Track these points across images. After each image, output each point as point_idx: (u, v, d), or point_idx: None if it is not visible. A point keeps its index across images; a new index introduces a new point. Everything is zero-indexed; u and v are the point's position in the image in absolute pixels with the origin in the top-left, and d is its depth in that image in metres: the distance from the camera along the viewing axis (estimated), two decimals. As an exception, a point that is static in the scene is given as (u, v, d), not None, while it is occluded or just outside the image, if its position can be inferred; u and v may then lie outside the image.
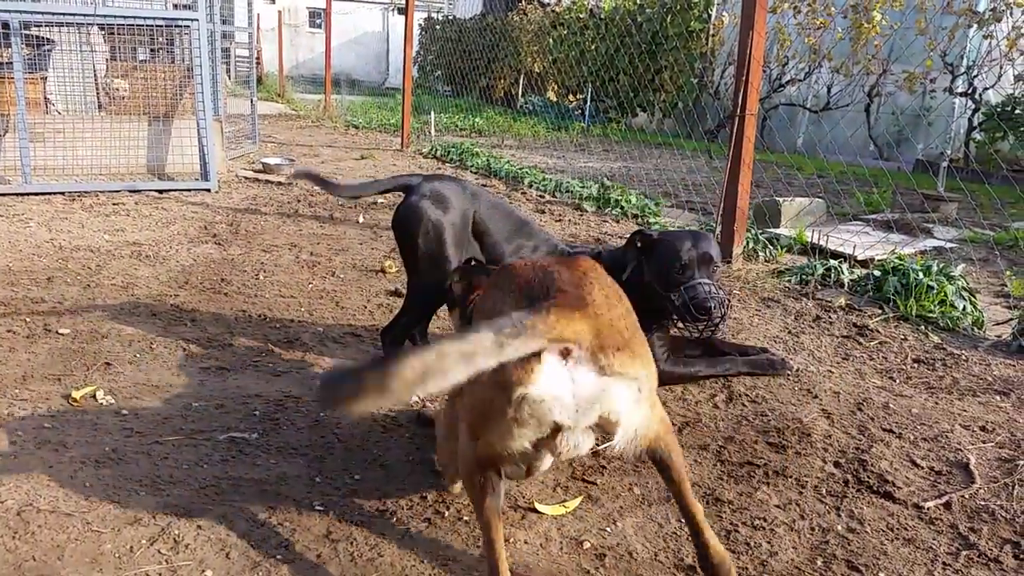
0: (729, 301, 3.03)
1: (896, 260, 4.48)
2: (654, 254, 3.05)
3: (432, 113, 11.90)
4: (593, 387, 1.59)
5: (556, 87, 15.48)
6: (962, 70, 9.55)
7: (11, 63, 6.22)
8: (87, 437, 2.53)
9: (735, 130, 4.90)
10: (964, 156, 9.48)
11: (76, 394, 2.81)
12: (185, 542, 2.01)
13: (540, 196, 7.32)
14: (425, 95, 18.36)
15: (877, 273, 4.44)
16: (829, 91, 11.26)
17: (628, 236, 3.15)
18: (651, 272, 3.04)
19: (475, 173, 8.59)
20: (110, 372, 3.05)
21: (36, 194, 6.16)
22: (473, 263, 2.84)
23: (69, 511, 2.11)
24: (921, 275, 4.19)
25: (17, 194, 6.10)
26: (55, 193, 6.24)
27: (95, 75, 7.58)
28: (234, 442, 2.57)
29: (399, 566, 1.99)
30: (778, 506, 2.34)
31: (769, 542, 2.16)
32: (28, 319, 3.52)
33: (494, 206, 3.10)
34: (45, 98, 7.17)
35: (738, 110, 4.86)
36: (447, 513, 2.24)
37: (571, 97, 15.42)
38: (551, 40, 15.51)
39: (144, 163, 7.13)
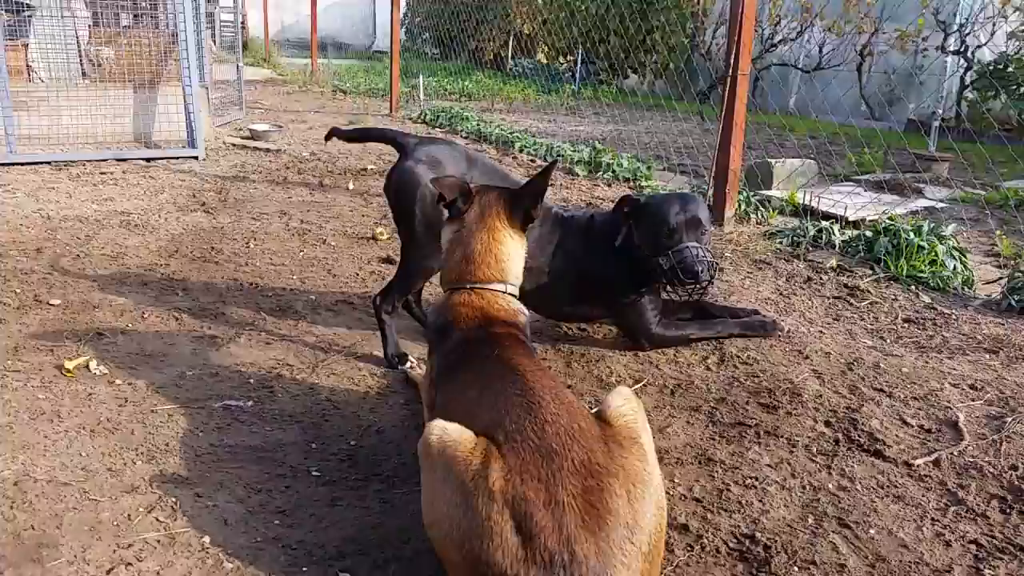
0: (718, 264, 3.03)
1: (887, 221, 4.48)
2: (642, 219, 3.04)
3: (421, 77, 11.77)
4: None
5: (546, 49, 15.32)
6: (955, 28, 9.47)
7: (-9, 30, 6.12)
8: (81, 407, 2.53)
9: (727, 91, 4.87)
10: (956, 115, 9.45)
11: (69, 364, 2.80)
12: (183, 509, 2.03)
13: (531, 161, 7.29)
14: (413, 58, 18.15)
15: (868, 234, 4.45)
16: (821, 50, 11.17)
17: (616, 201, 3.14)
18: (640, 237, 3.04)
19: (465, 138, 8.53)
20: (102, 342, 3.05)
21: (22, 164, 6.08)
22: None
23: (66, 480, 2.12)
24: (912, 235, 4.20)
25: (2, 164, 6.02)
26: (41, 163, 6.17)
27: (78, 42, 7.46)
28: (229, 410, 2.58)
29: (398, 529, 2.01)
30: (769, 465, 2.37)
31: (761, 500, 2.19)
32: (18, 290, 3.50)
33: (490, 171, 3.07)
34: (27, 66, 7.06)
35: (730, 70, 4.82)
36: (443, 477, 2.25)
37: (561, 59, 15.27)
38: (540, 0, 15.31)
39: (130, 131, 7.04)
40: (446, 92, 12.77)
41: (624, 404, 1.81)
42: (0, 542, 1.84)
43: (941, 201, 5.96)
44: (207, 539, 1.92)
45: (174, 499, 2.07)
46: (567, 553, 1.48)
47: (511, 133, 8.25)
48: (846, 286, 3.97)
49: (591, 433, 1.70)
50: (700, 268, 2.91)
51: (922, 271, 4.04)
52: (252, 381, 2.80)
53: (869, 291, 3.89)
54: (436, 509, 1.66)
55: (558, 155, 7.17)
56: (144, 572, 1.80)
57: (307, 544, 1.93)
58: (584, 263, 3.13)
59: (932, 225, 4.33)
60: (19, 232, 4.38)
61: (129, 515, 1.99)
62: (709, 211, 3.16)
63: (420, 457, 1.75)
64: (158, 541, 1.91)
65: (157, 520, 1.98)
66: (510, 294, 2.23)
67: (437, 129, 9.09)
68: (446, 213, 2.28)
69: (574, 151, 7.19)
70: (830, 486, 2.27)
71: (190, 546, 1.90)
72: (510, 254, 2.24)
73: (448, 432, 1.70)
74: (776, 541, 2.01)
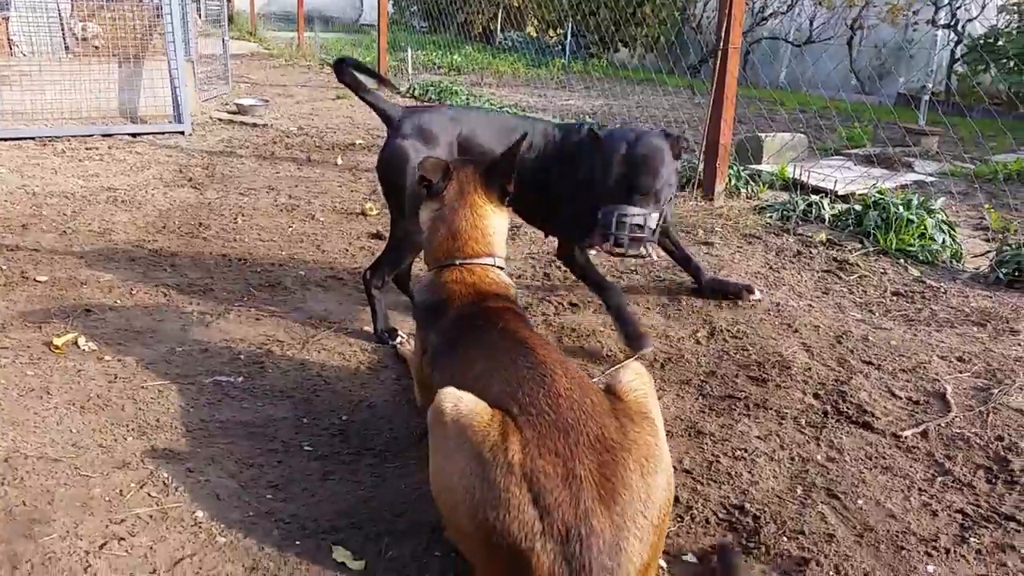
0: (654, 230, 2.75)
1: (877, 194, 4.49)
2: (596, 158, 2.84)
3: (409, 50, 11.67)
4: None
5: (536, 22, 15.19)
6: (945, 1, 9.45)
7: (-28, 3, 6.02)
8: (71, 383, 2.52)
9: (718, 65, 4.84)
10: (946, 89, 9.44)
11: (57, 341, 2.79)
12: (175, 485, 2.03)
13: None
14: (401, 32, 17.97)
15: (858, 208, 4.46)
16: (811, 24, 11.13)
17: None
18: (594, 173, 2.85)
19: (455, 112, 8.46)
20: (90, 319, 3.03)
21: (5, 139, 6.01)
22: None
23: (57, 457, 2.11)
24: (901, 209, 4.21)
25: (-14, 140, 5.96)
26: (25, 138, 6.10)
27: (60, 15, 7.34)
28: (220, 386, 2.58)
29: (391, 501, 2.02)
30: (759, 437, 2.39)
31: (750, 472, 2.21)
32: (4, 267, 3.47)
33: (480, 121, 3.04)
34: (8, 40, 6.94)
35: (721, 44, 4.80)
36: (434, 451, 2.26)
37: (551, 32, 15.15)
38: (529, -27, 15.16)
39: (116, 106, 6.96)
40: (435, 66, 12.67)
41: (635, 379, 1.81)
42: (-9, 518, 1.84)
43: (930, 175, 5.97)
44: (200, 514, 1.93)
45: (166, 474, 2.07)
46: (584, 527, 1.50)
47: (501, 107, 8.21)
48: (835, 260, 3.98)
49: (603, 408, 1.70)
50: (622, 239, 2.70)
51: (911, 244, 4.06)
52: (242, 357, 2.79)
53: (858, 265, 3.91)
54: (448, 477, 1.66)
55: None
56: (137, 547, 1.80)
57: (300, 518, 1.94)
58: (553, 172, 3.02)
59: (921, 199, 4.34)
60: (4, 208, 4.34)
61: (121, 490, 1.99)
62: (675, 160, 2.81)
63: (431, 425, 1.74)
64: (150, 516, 1.91)
65: (149, 495, 1.99)
66: (499, 267, 2.22)
67: (426, 103, 9.02)
68: (424, 191, 2.27)
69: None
70: (819, 457, 2.29)
71: (182, 521, 1.90)
72: (495, 228, 2.24)
73: (463, 401, 1.69)
74: (765, 511, 2.03)
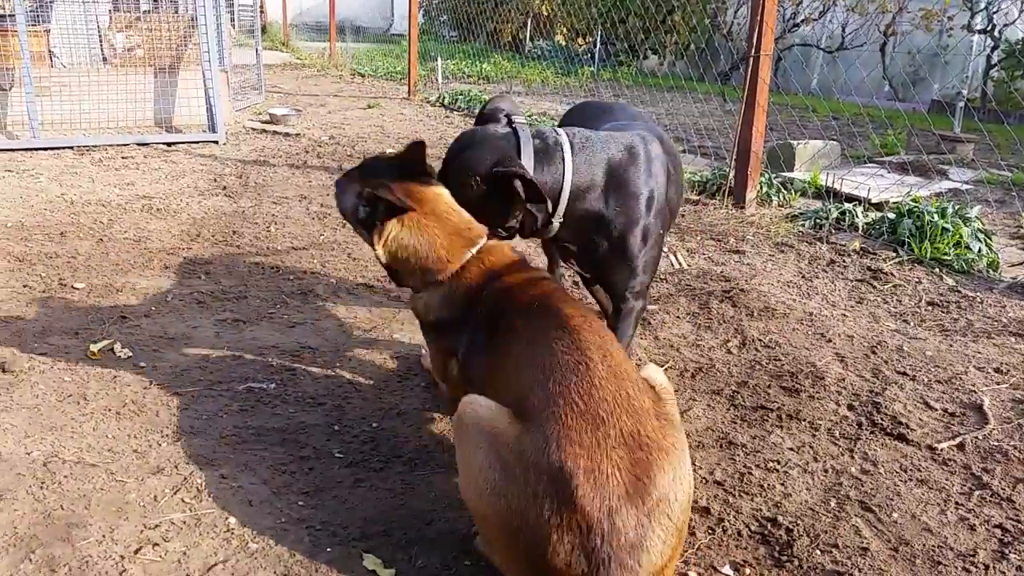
0: None
1: (911, 202, 4.43)
2: None
3: (439, 59, 11.73)
4: None
5: (565, 30, 15.21)
6: (981, 6, 9.31)
7: (13, 15, 6.15)
8: (107, 389, 2.56)
9: (749, 71, 4.82)
10: (982, 95, 9.30)
11: (94, 348, 2.84)
12: (208, 490, 2.05)
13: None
14: (431, 41, 18.10)
15: (892, 216, 4.40)
16: (844, 30, 11.03)
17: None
18: None
19: (484, 120, 8.49)
20: (126, 325, 3.08)
21: (45, 149, 6.14)
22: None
23: (93, 462, 2.15)
24: (936, 217, 4.15)
25: (26, 149, 6.08)
26: (64, 148, 6.22)
27: (98, 27, 7.49)
28: (252, 392, 2.60)
29: (420, 509, 2.02)
30: (792, 449, 2.36)
31: (783, 484, 2.19)
32: (43, 274, 3.54)
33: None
34: (49, 51, 7.09)
35: (753, 51, 4.77)
36: (464, 459, 2.27)
37: (580, 40, 15.16)
38: (559, -18, 15.19)
39: (151, 116, 7.08)
40: (464, 75, 12.73)
41: (665, 381, 1.81)
42: (31, 521, 1.87)
43: (966, 183, 5.88)
44: (232, 520, 1.94)
45: (199, 480, 2.09)
46: (607, 523, 1.49)
47: (529, 116, 8.22)
48: (869, 269, 3.93)
49: (642, 404, 1.66)
50: None
51: (946, 253, 4.00)
52: (275, 364, 2.82)
53: (892, 274, 3.86)
54: (475, 483, 1.65)
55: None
56: (170, 552, 1.82)
57: (331, 525, 1.95)
58: None
59: (957, 207, 4.28)
60: (43, 216, 4.43)
61: (155, 496, 2.02)
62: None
63: (456, 434, 1.76)
64: (184, 522, 1.93)
65: (183, 501, 2.01)
66: (491, 238, 2.12)
67: (455, 112, 9.07)
68: (371, 224, 2.09)
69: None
70: (853, 470, 2.26)
71: (215, 527, 1.92)
72: (455, 205, 2.13)
73: (482, 405, 1.69)
74: (798, 524, 2.01)
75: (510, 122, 2.32)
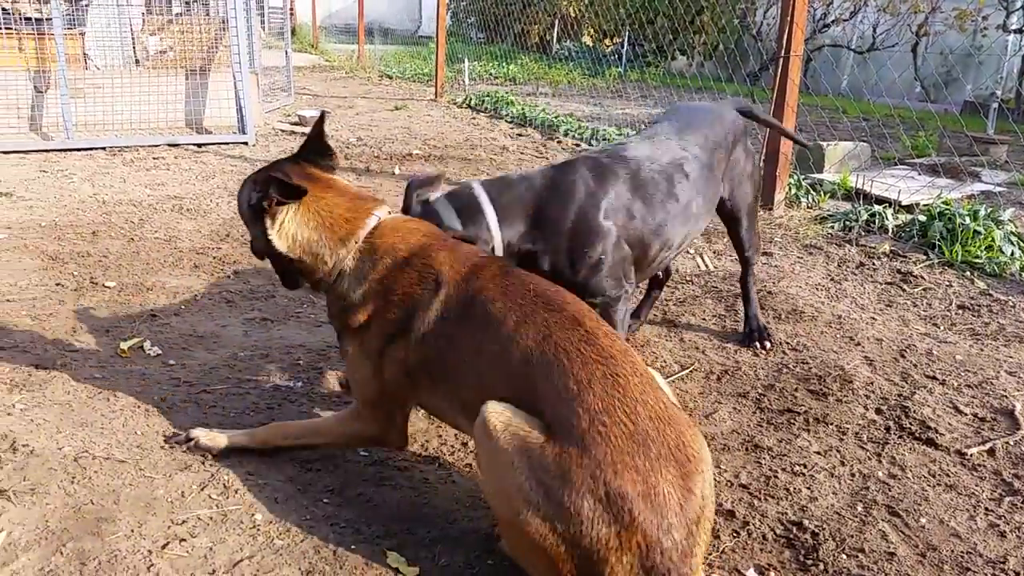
0: None
1: (942, 205, 4.37)
2: None
3: (466, 61, 11.77)
4: None
5: (592, 31, 15.18)
6: (1017, 5, 9.16)
7: (50, 19, 6.26)
8: (136, 387, 2.60)
9: (779, 72, 4.78)
10: (1016, 96, 9.15)
11: (124, 345, 2.88)
12: (235, 487, 2.07)
13: (576, 144, 7.25)
14: (458, 43, 18.16)
15: (922, 218, 4.35)
16: (875, 31, 10.90)
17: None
18: None
19: (510, 123, 8.51)
20: (156, 324, 3.12)
21: (78, 149, 6.24)
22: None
23: (123, 458, 2.18)
24: (968, 220, 4.09)
25: (60, 150, 6.19)
26: (96, 148, 6.32)
27: (131, 30, 7.61)
28: (279, 390, 2.63)
29: (444, 508, 2.03)
30: (818, 452, 2.34)
31: (809, 488, 2.17)
32: (75, 272, 3.60)
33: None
34: (84, 54, 7.21)
35: (783, 51, 4.73)
36: (488, 459, 2.27)
37: (607, 41, 15.12)
38: (587, -17, 15.17)
39: (182, 117, 7.17)
40: (491, 76, 12.76)
41: (658, 375, 1.81)
42: (62, 515, 1.90)
43: (999, 185, 5.79)
44: (258, 516, 1.96)
45: (226, 477, 2.11)
46: (667, 540, 1.51)
47: (556, 117, 8.22)
48: (899, 271, 3.89)
49: (676, 412, 1.66)
50: None
51: (978, 256, 3.94)
52: (302, 362, 2.85)
53: (923, 277, 3.81)
54: (506, 493, 1.61)
55: (603, 138, 7.11)
56: (197, 548, 1.84)
57: (355, 522, 1.96)
58: None
59: (989, 209, 4.21)
60: (76, 216, 4.50)
61: (183, 492, 2.04)
62: None
63: (480, 440, 1.68)
64: (211, 518, 1.95)
65: (210, 497, 2.03)
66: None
67: (482, 114, 9.09)
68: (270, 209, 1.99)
69: (620, 134, 7.14)
70: (880, 474, 2.24)
71: (241, 523, 1.94)
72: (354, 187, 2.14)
73: (513, 417, 1.64)
74: (824, 528, 1.99)
75: (425, 202, 2.37)
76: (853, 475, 2.23)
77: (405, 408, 2.08)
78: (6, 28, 6.44)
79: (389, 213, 2.07)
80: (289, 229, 1.99)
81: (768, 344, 3.03)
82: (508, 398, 1.70)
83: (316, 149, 2.12)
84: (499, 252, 2.32)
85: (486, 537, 1.91)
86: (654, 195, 2.52)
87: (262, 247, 2.08)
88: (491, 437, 1.64)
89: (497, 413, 1.66)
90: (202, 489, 2.06)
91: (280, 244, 2.00)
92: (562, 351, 1.70)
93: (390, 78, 12.81)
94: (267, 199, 1.97)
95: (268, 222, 2.00)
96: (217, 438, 2.21)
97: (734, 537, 1.97)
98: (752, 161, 3.02)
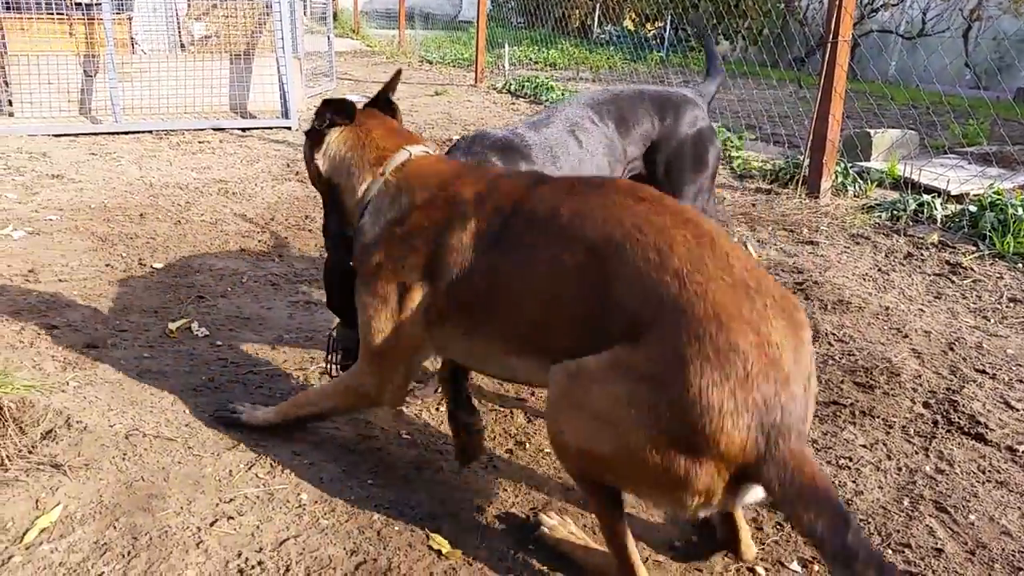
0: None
1: (993, 195, 4.27)
2: None
3: (506, 46, 11.73)
4: None
5: (633, 15, 15.04)
6: (1075, -11, 8.88)
7: (100, 4, 6.36)
8: (184, 367, 2.65)
9: (826, 57, 4.69)
10: (1073, 83, 8.88)
11: (172, 326, 2.93)
12: (281, 467, 2.10)
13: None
14: (498, 28, 18.10)
15: (973, 208, 4.25)
16: (924, 16, 10.65)
17: None
18: None
19: (551, 107, 8.47)
20: (203, 305, 3.17)
21: (126, 133, 6.35)
22: None
23: (172, 436, 2.22)
24: (1020, 211, 3.99)
25: (109, 133, 6.30)
26: (143, 132, 6.43)
27: (176, 15, 7.70)
28: (325, 373, 2.66)
29: (485, 492, 2.04)
30: (864, 446, 2.31)
31: (855, 481, 2.14)
32: (124, 254, 3.67)
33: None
34: (131, 38, 7.32)
35: (830, 36, 4.64)
36: (528, 445, 2.28)
37: (649, 26, 14.97)
38: (629, -33, 15.02)
39: (226, 102, 7.25)
40: (531, 62, 12.71)
41: None
42: (115, 491, 1.95)
43: (1054, 174, 5.62)
44: (304, 496, 1.99)
45: (273, 456, 2.14)
46: (785, 394, 1.39)
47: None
48: (948, 263, 3.81)
49: (767, 274, 1.54)
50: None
51: (1031, 248, 3.84)
52: (344, 346, 2.87)
53: (972, 268, 3.72)
54: (610, 424, 1.47)
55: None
56: (244, 526, 1.88)
57: (398, 504, 1.98)
58: None
59: (1044, 200, 4.10)
60: (124, 198, 4.58)
61: (231, 471, 2.08)
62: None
63: (561, 388, 1.55)
64: (257, 496, 1.99)
65: (257, 476, 2.07)
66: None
67: (521, 100, 9.06)
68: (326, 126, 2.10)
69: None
70: (927, 469, 2.20)
71: (288, 502, 1.97)
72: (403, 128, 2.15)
73: (579, 360, 1.53)
74: (870, 523, 1.97)
75: None
76: (900, 469, 2.20)
77: (412, 361, 1.97)
78: (57, 13, 6.56)
79: (424, 152, 2.04)
80: (331, 150, 2.07)
81: None
82: (578, 311, 1.56)
83: (382, 101, 2.16)
84: None
85: (526, 523, 1.92)
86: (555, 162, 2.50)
87: (312, 172, 2.15)
88: (579, 375, 1.52)
89: (566, 363, 1.55)
90: (249, 468, 2.10)
91: (322, 164, 2.08)
92: (631, 226, 1.54)
93: (430, 63, 12.82)
94: (321, 121, 2.06)
95: (315, 148, 2.10)
96: (255, 413, 2.26)
97: (778, 530, 1.95)
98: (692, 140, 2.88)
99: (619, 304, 1.51)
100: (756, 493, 1.45)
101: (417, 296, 1.84)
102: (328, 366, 2.45)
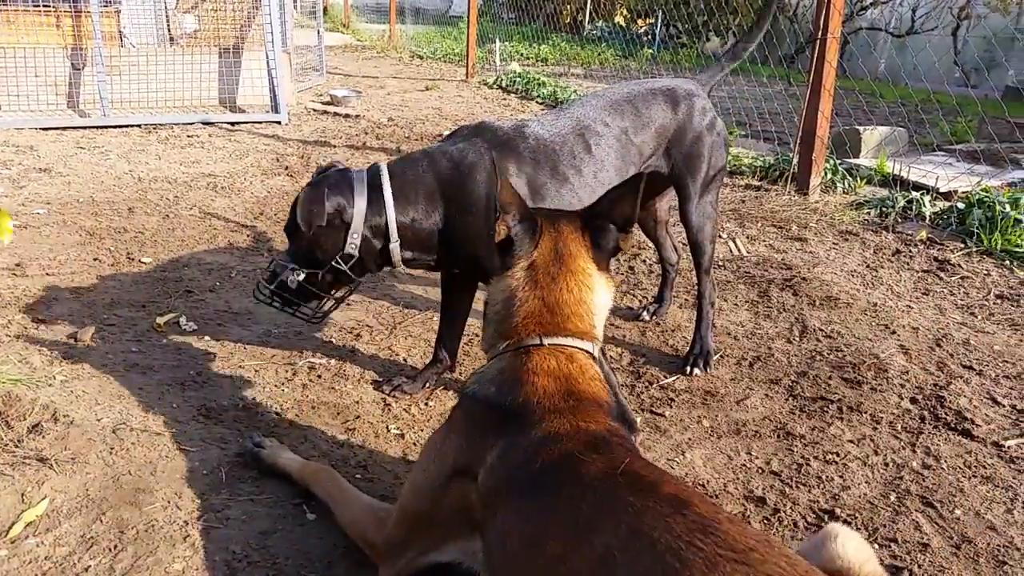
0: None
1: (981, 192, 4.29)
2: None
3: (497, 41, 11.72)
4: None
5: (624, 11, 15.04)
6: (1063, -12, 8.93)
7: (87, -4, 6.32)
8: (172, 361, 2.64)
9: (816, 54, 4.70)
10: (1060, 81, 8.93)
11: (160, 320, 2.92)
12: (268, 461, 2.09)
13: (608, 126, 7.18)
14: (489, 23, 18.08)
15: (961, 206, 4.27)
16: (914, 13, 10.69)
17: None
18: None
19: (540, 103, 8.47)
20: (191, 300, 3.16)
21: (114, 126, 6.31)
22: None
23: (159, 430, 2.21)
24: (1008, 208, 4.01)
25: (97, 127, 6.26)
26: (132, 125, 6.38)
27: (165, 8, 7.65)
28: (313, 368, 2.65)
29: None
30: (851, 441, 2.32)
31: (842, 476, 2.15)
32: (112, 248, 3.65)
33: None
34: (120, 31, 7.27)
35: (819, 33, 4.65)
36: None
37: (640, 22, 14.98)
38: (620, -37, 15.01)
39: (216, 96, 7.22)
40: (522, 57, 12.68)
41: (861, 550, 1.30)
42: (102, 485, 1.94)
43: (1041, 172, 5.66)
44: (291, 489, 1.99)
45: (261, 451, 2.13)
46: None
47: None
48: (936, 259, 3.83)
49: None
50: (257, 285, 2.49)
51: (1018, 245, 3.86)
52: (334, 340, 2.87)
53: (960, 265, 3.74)
54: None
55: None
56: (231, 519, 1.87)
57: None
58: None
59: (1031, 197, 4.12)
60: (112, 192, 4.56)
61: (218, 465, 2.07)
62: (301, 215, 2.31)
63: None
64: (244, 490, 1.98)
65: (244, 470, 2.06)
66: (593, 357, 1.59)
67: (512, 95, 9.05)
68: (498, 258, 1.65)
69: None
70: (914, 464, 2.21)
71: (274, 497, 1.96)
72: (602, 306, 1.64)
73: None
74: (856, 517, 1.98)
75: (343, 171, 2.43)
76: (887, 464, 2.21)
77: (423, 557, 1.61)
78: (44, 5, 6.51)
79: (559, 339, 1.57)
80: (500, 282, 1.65)
81: (698, 372, 2.75)
82: None
83: (615, 217, 1.65)
84: (392, 230, 2.30)
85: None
86: (557, 167, 2.43)
87: None
88: None
89: None
90: (236, 462, 2.09)
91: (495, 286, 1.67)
92: (666, 549, 1.11)
93: (421, 58, 12.78)
94: (522, 243, 1.63)
95: (499, 273, 1.67)
96: (277, 455, 2.08)
97: (765, 524, 1.96)
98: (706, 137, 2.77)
99: None
100: None
101: (465, 492, 1.52)
102: (256, 292, 2.45)
